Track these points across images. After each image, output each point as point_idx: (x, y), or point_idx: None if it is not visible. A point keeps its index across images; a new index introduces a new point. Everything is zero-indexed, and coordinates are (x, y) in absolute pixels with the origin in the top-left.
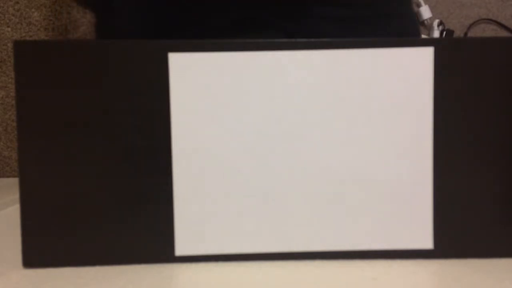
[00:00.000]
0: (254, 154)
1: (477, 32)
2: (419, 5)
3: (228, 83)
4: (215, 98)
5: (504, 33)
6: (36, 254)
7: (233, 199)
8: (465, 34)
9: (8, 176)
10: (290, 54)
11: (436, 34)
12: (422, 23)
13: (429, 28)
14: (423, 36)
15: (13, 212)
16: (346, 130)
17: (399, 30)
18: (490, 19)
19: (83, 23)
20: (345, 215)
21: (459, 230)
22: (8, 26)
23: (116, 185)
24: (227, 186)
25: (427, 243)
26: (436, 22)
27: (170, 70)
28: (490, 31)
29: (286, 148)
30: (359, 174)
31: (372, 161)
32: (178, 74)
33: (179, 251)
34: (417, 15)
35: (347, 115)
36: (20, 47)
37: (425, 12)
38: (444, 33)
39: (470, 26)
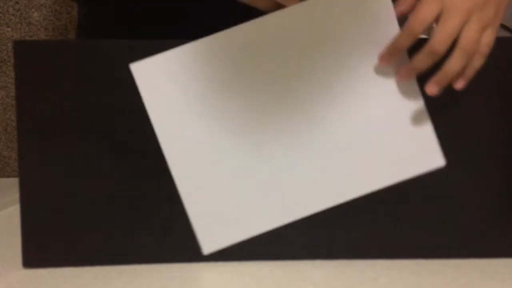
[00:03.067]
0: (244, 136)
1: None
2: None
3: (199, 73)
4: (189, 91)
5: (504, 33)
6: (36, 254)
7: (236, 185)
8: None
9: (8, 176)
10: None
11: None
12: None
13: (429, 28)
14: (423, 36)
15: (13, 212)
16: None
17: None
18: None
19: None
20: (349, 168)
21: (459, 230)
22: (8, 26)
23: (116, 185)
24: (226, 175)
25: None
26: None
27: (136, 79)
28: None
29: (275, 121)
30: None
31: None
32: (145, 81)
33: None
34: None
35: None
36: (20, 47)
37: None
38: None
39: None
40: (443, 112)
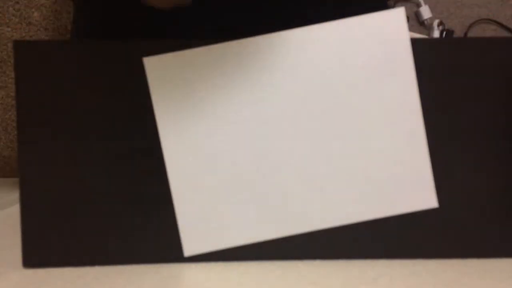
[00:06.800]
0: (245, 145)
1: (477, 32)
2: (419, 5)
3: (207, 76)
4: (197, 93)
5: (504, 33)
6: (36, 254)
7: (231, 192)
8: (465, 34)
9: (8, 176)
10: (265, 38)
11: (436, 34)
12: (422, 23)
13: (429, 28)
14: (423, 36)
15: (13, 212)
16: (334, 114)
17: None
18: (490, 19)
19: None
20: (342, 196)
21: (459, 230)
22: (8, 26)
23: (116, 185)
24: (223, 181)
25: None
26: (436, 22)
27: (147, 74)
28: (490, 31)
29: (276, 134)
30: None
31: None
32: (156, 77)
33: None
34: (417, 15)
35: (331, 94)
36: (20, 47)
37: (425, 12)
38: (444, 33)
39: (470, 26)
40: (444, 112)
